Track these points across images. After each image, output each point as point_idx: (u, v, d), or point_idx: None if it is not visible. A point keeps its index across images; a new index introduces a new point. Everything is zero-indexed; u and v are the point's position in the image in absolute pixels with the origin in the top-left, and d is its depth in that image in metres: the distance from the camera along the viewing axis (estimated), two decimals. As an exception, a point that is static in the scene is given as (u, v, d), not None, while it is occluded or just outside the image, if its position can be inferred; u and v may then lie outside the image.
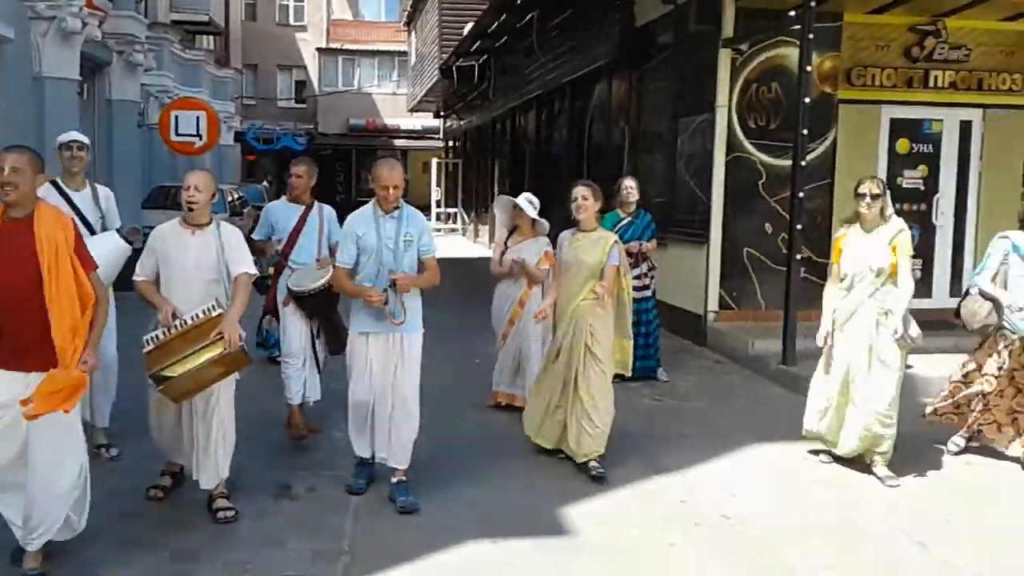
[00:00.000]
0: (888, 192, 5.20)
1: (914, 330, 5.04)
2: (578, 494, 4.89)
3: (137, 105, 16.04)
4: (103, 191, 5.49)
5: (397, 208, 4.63)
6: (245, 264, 4.44)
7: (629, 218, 7.44)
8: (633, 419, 6.13)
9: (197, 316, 4.27)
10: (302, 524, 4.43)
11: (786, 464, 5.53)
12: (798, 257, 7.79)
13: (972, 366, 5.54)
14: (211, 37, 28.52)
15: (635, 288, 7.42)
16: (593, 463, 5.17)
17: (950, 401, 5.63)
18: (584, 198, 5.28)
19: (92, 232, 5.09)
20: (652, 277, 7.59)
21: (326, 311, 5.67)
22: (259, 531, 4.34)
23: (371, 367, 4.66)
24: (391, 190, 4.54)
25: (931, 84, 9.21)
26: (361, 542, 4.25)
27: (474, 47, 18.53)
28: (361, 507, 4.67)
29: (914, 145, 9.36)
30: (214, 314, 4.26)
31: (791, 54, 8.50)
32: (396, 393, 4.65)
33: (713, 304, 9.15)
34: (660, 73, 10.66)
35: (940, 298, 9.06)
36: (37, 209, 3.70)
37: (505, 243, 6.44)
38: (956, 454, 5.67)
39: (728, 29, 8.95)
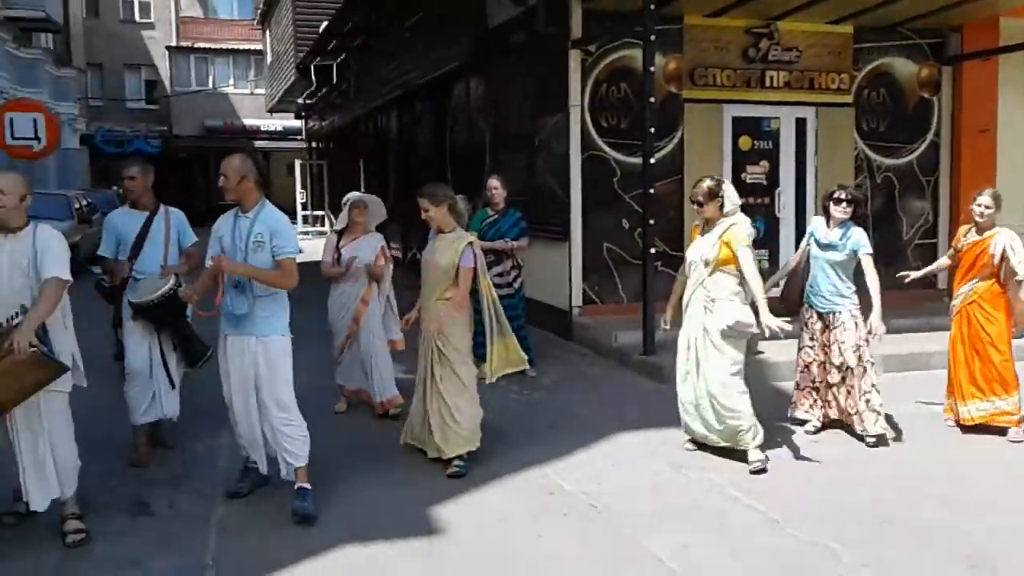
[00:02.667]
0: (726, 189, 5.43)
1: (744, 318, 5.21)
2: (446, 493, 4.93)
3: (-34, 107, 14.93)
4: None
5: (255, 207, 4.57)
6: (56, 268, 4.11)
7: (495, 216, 7.56)
8: (499, 415, 6.21)
9: (1, 325, 4.08)
10: (162, 541, 4.30)
11: (649, 451, 5.73)
12: (652, 251, 8.12)
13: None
14: (49, 35, 26.84)
15: (496, 286, 7.56)
16: (456, 461, 5.23)
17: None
18: (425, 210, 5.29)
19: None
20: (517, 276, 7.71)
21: (172, 323, 5.37)
22: (115, 552, 4.17)
23: (227, 370, 4.65)
24: (221, 184, 4.50)
25: (768, 84, 9.75)
26: (226, 556, 4.16)
27: (331, 46, 18.25)
28: (224, 519, 4.56)
29: (755, 142, 9.87)
30: (14, 322, 4.03)
31: (637, 55, 8.72)
32: (261, 398, 4.59)
33: (577, 299, 9.40)
34: (516, 74, 10.82)
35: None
36: None
37: (338, 245, 6.44)
38: (813, 433, 5.99)
39: (576, 31, 9.18)
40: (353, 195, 6.62)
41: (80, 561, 4.08)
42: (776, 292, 6.07)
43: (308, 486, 4.63)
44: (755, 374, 6.10)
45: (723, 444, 5.44)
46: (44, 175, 19.59)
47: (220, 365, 4.72)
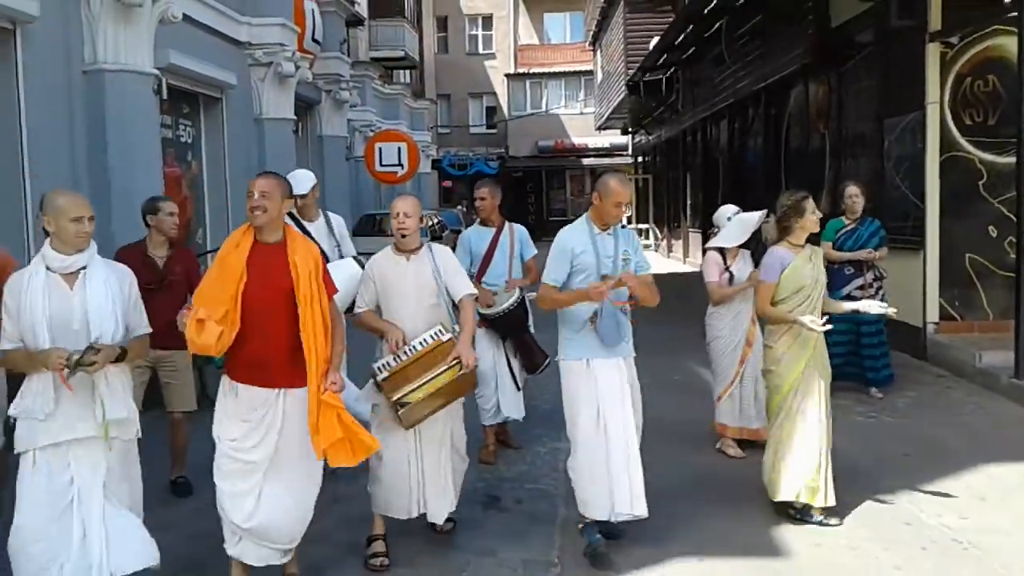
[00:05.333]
0: None
1: None
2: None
3: (344, 139, 17.09)
4: (335, 219, 5.69)
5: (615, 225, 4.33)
6: (465, 286, 4.35)
7: (852, 225, 7.11)
8: (845, 438, 5.77)
9: (426, 341, 4.18)
10: (512, 535, 4.56)
11: (1024, 487, 5.08)
12: (1028, 261, 7.17)
13: None
14: (407, 71, 30.06)
15: (858, 299, 7.05)
16: None
17: None
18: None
19: (327, 260, 5.37)
20: (879, 288, 7.17)
21: (518, 331, 5.74)
22: (472, 540, 4.50)
23: (598, 398, 4.20)
24: (622, 207, 4.20)
25: None
26: (569, 555, 4.31)
27: (660, 61, 18.44)
28: (567, 521, 4.71)
29: None
30: (444, 339, 4.18)
31: (1009, 43, 7.95)
32: (626, 425, 4.21)
33: (933, 315, 8.57)
34: (861, 73, 10.19)
35: None
36: (288, 235, 3.81)
37: (726, 265, 5.76)
38: None
39: (935, 22, 8.46)
40: (731, 208, 5.98)
41: (445, 547, 4.44)
42: None
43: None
44: None
45: None
46: (402, 197, 21.86)
47: (579, 394, 4.22)
